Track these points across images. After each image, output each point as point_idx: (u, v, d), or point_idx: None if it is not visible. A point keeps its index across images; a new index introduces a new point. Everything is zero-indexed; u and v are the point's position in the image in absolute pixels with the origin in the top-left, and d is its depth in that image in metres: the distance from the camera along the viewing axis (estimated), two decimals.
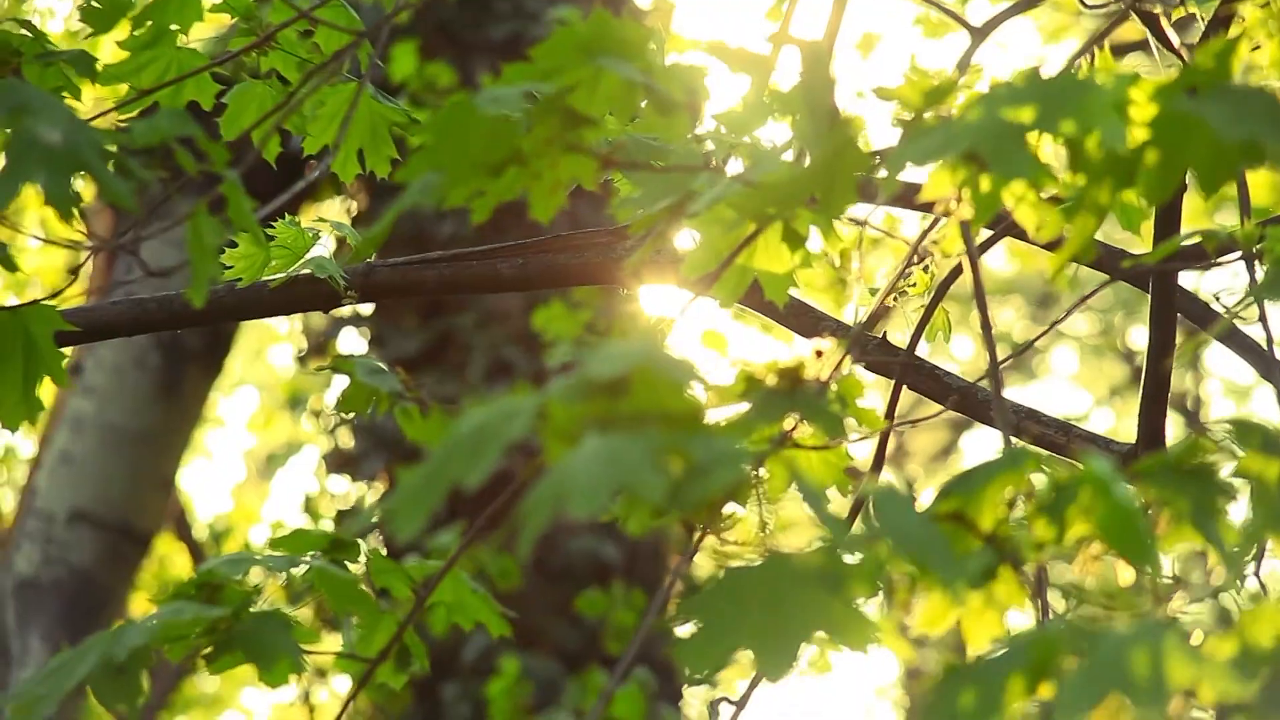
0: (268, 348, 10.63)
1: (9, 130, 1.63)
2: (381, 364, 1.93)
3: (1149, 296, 2.11)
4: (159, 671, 8.01)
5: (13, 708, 1.77)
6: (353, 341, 7.13)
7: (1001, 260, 12.04)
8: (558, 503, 1.33)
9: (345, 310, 7.06)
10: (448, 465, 1.41)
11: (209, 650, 1.78)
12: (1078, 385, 14.54)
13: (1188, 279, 2.17)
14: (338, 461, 6.79)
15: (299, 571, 1.85)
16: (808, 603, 1.42)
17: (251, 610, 1.77)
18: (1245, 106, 1.44)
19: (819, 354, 1.58)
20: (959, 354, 12.57)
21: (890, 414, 2.12)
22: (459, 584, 1.94)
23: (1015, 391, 14.34)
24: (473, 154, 1.69)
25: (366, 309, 6.94)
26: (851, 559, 1.45)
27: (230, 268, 2.43)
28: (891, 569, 1.49)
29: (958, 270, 2.16)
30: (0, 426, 2.14)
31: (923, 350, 2.27)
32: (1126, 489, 1.45)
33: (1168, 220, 2.05)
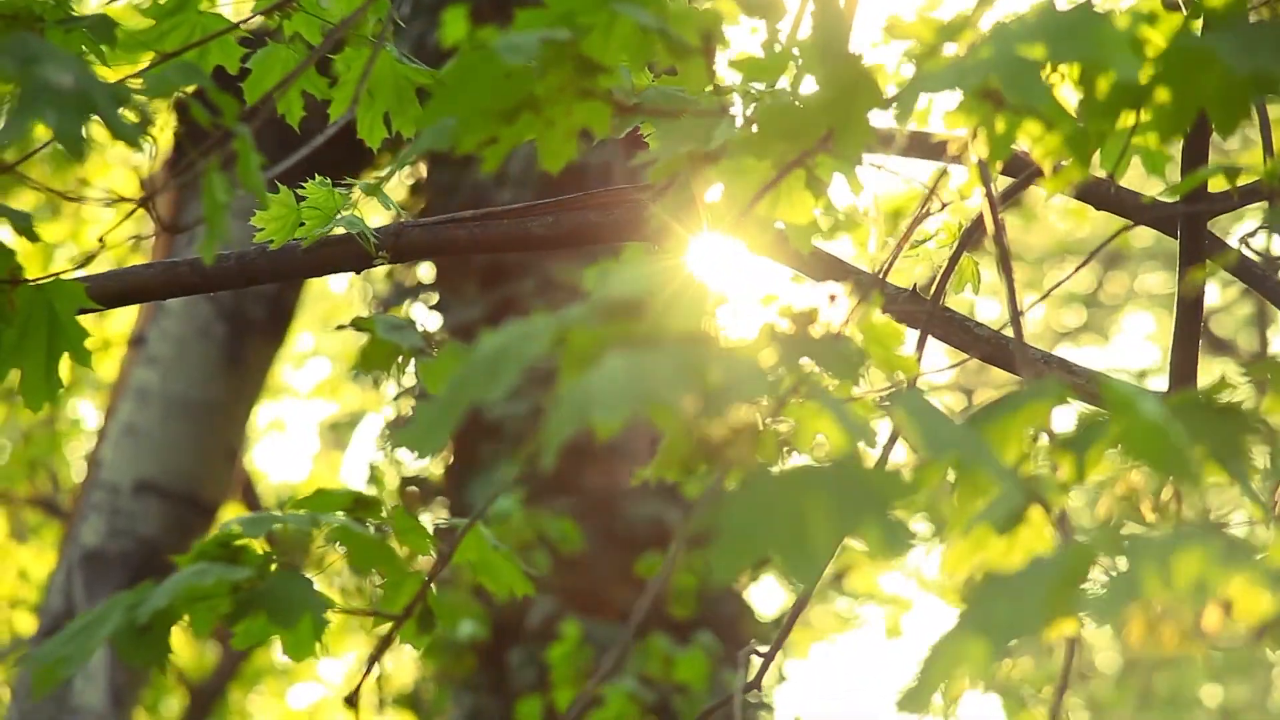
0: (335, 320, 10.66)
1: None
2: (403, 320, 1.91)
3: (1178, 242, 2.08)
4: (227, 640, 8.04)
5: (37, 670, 1.76)
6: (419, 311, 7.13)
7: (1070, 220, 11.95)
8: (581, 416, 1.31)
9: (408, 279, 7.06)
10: (466, 387, 1.40)
11: (230, 612, 1.76)
12: (1154, 344, 14.44)
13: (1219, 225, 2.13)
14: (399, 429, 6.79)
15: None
16: (836, 508, 1.39)
17: (273, 570, 1.76)
18: (1256, 39, 1.41)
19: (832, 299, 1.56)
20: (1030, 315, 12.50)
21: (917, 362, 2.09)
22: (481, 543, 1.92)
23: (1091, 351, 14.23)
24: (487, 100, 1.67)
25: (429, 278, 6.94)
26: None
27: (262, 230, 2.42)
28: (928, 479, 1.46)
29: (981, 219, 2.13)
30: (24, 406, 2.12)
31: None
32: (1156, 405, 1.42)
33: (1194, 163, 2.01)
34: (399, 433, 1.44)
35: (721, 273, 1.54)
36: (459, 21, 6.30)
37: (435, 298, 6.88)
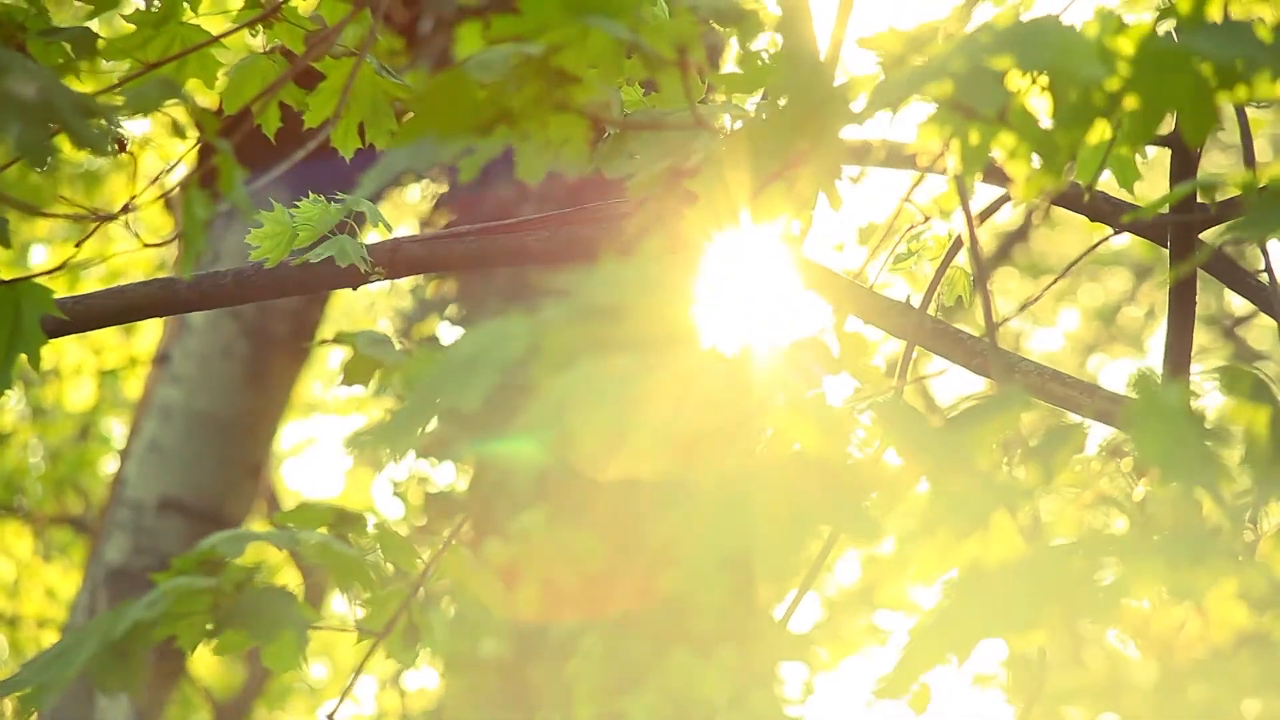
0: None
1: None
2: (383, 335, 1.92)
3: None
4: (253, 658, 8.05)
5: (17, 698, 1.75)
6: (444, 327, 7.14)
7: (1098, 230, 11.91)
8: (559, 420, 1.30)
9: (430, 293, 7.07)
10: (439, 390, 1.39)
11: (211, 627, 1.76)
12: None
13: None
14: (423, 444, 6.79)
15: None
16: (807, 501, 1.39)
17: (254, 585, 1.75)
18: (1225, 38, 1.40)
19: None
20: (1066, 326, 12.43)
21: (902, 374, 2.08)
22: (460, 562, 1.91)
23: (1127, 363, 14.16)
24: (463, 116, 1.67)
25: (453, 291, 6.95)
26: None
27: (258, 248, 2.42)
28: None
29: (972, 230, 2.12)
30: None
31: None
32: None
33: (1182, 173, 2.00)
34: (366, 434, 1.44)
35: (706, 278, 1.53)
36: (474, 37, 6.32)
37: (458, 311, 6.89)
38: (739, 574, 1.47)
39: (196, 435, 6.66)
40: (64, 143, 1.63)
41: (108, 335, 8.13)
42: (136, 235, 1.77)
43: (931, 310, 2.21)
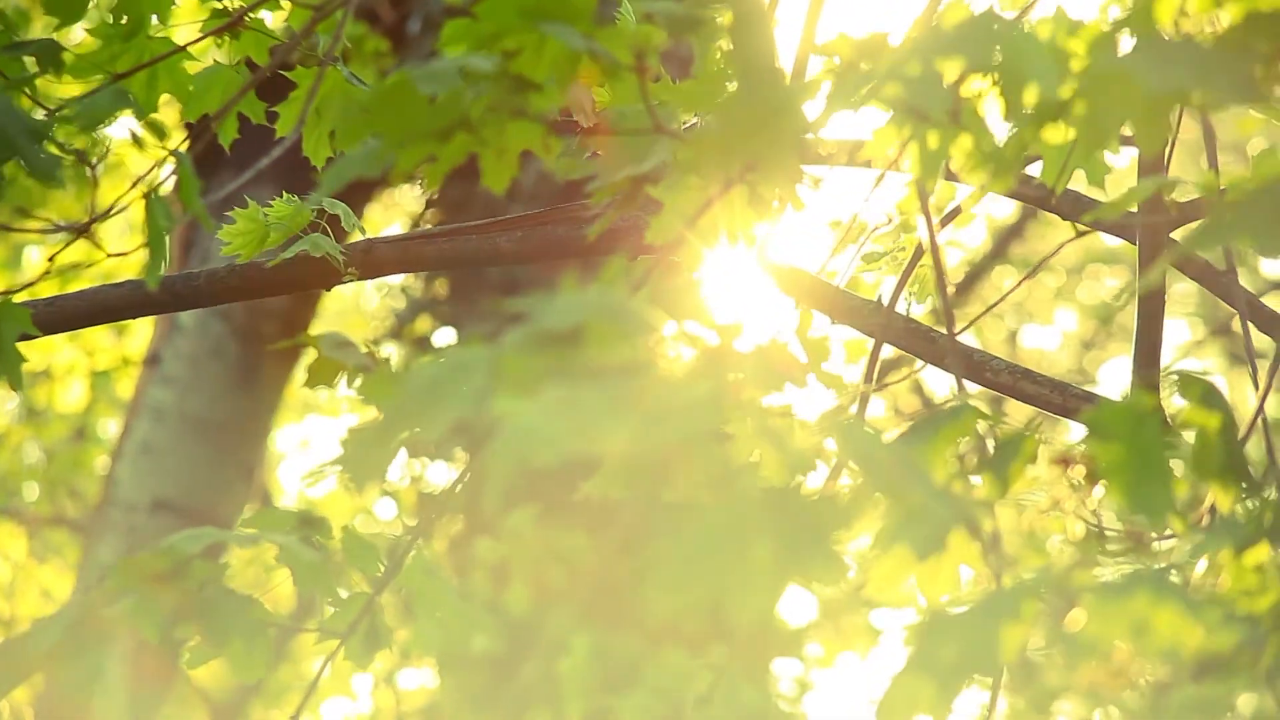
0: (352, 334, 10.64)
1: None
2: (346, 337, 1.92)
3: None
4: None
5: None
6: (436, 330, 7.14)
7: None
8: (520, 454, 1.31)
9: (420, 293, 7.07)
10: (402, 419, 1.40)
11: (170, 625, 1.77)
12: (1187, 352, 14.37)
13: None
14: (413, 445, 6.79)
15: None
16: (777, 542, 1.39)
17: (215, 588, 1.76)
18: (1170, 58, 1.41)
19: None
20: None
21: (870, 375, 2.09)
22: (422, 568, 1.91)
23: (1125, 360, 14.14)
24: (420, 122, 1.68)
25: (444, 292, 6.96)
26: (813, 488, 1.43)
27: (228, 244, 2.43)
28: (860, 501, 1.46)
29: (939, 228, 2.13)
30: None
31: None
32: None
33: (1151, 170, 2.01)
34: (331, 464, 1.44)
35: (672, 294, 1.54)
36: (461, 34, 6.31)
37: (449, 312, 6.89)
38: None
39: (188, 436, 6.66)
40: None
41: (99, 336, 8.13)
42: (97, 245, 1.78)
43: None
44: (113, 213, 1.76)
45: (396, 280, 7.25)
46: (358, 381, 1.87)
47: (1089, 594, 1.33)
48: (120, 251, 1.79)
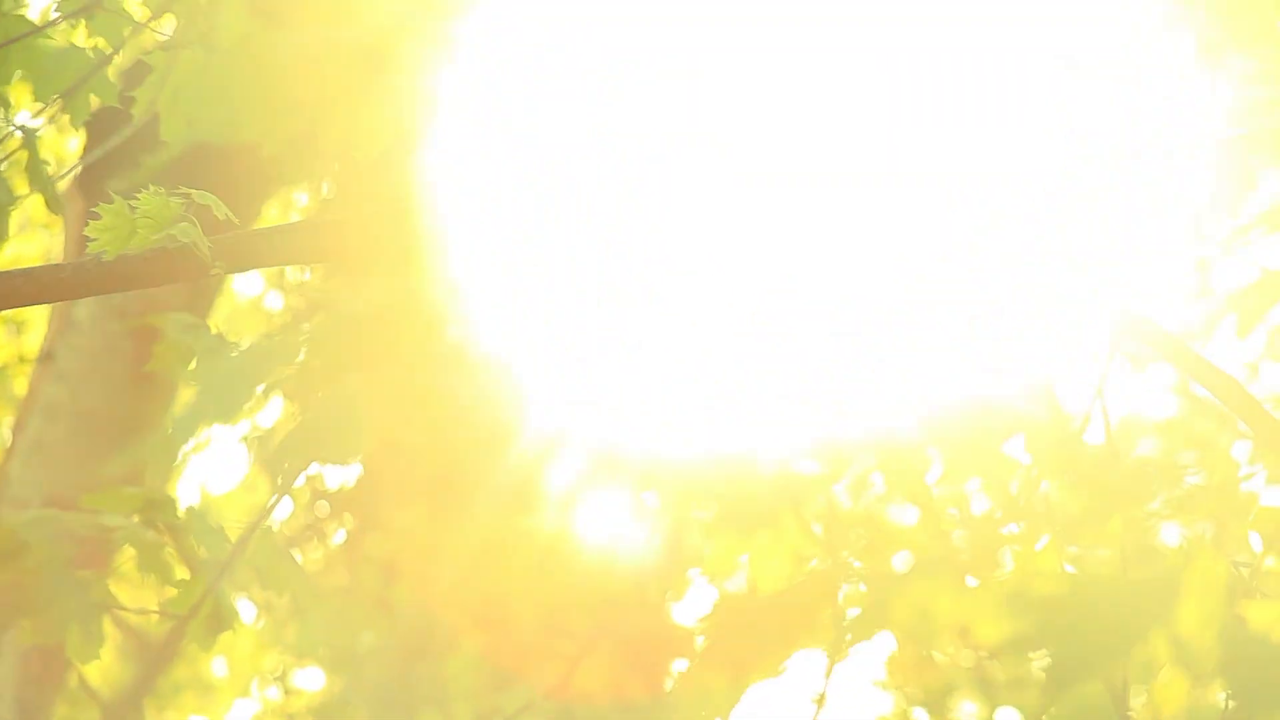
0: (241, 329, 10.60)
1: None
2: (197, 320, 1.93)
3: None
4: (145, 653, 8.01)
5: None
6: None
7: None
8: (314, 445, 1.32)
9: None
10: (204, 408, 1.41)
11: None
12: None
13: None
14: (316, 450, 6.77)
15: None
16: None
17: (53, 569, 1.77)
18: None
19: None
20: None
21: None
22: (270, 550, 1.92)
23: None
24: None
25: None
26: None
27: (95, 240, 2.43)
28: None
29: None
30: None
31: None
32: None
33: None
34: (146, 447, 1.45)
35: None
36: None
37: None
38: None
39: (82, 434, 6.61)
40: None
41: None
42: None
43: None
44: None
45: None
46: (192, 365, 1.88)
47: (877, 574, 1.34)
48: None
